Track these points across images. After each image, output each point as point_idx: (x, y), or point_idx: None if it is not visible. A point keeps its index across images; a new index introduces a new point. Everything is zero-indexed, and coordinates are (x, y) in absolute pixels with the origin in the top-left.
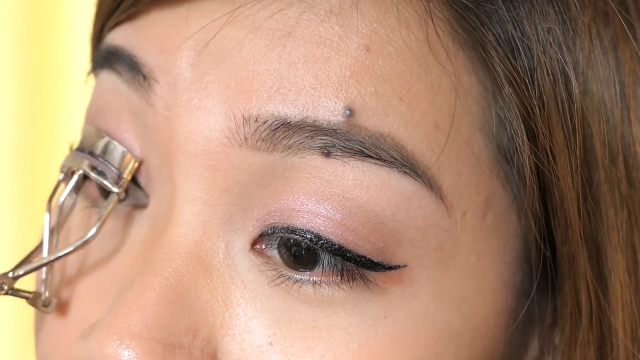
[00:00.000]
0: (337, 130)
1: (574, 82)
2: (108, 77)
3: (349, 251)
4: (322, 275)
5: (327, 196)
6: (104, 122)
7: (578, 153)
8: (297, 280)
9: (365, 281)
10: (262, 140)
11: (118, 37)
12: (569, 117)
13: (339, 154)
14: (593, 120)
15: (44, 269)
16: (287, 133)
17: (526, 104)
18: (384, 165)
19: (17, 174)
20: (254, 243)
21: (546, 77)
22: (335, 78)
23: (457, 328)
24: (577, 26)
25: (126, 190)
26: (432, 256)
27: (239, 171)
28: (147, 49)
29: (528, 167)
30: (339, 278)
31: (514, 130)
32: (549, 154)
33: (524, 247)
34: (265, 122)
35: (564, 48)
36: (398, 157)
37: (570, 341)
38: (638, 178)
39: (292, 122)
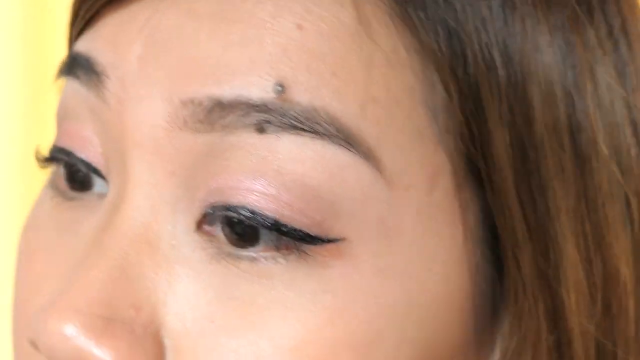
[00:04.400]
0: (270, 106)
1: (511, 61)
2: (70, 83)
3: (285, 225)
4: (261, 251)
5: (263, 172)
6: (67, 124)
7: (512, 134)
8: (237, 257)
9: (304, 255)
10: (200, 122)
11: (79, 44)
12: (504, 98)
13: (273, 129)
14: (534, 100)
15: None
16: (222, 113)
17: (461, 83)
18: (318, 138)
19: (18, 173)
20: (199, 223)
21: (480, 59)
22: (269, 57)
23: (402, 306)
24: (516, 7)
25: (91, 182)
26: (373, 230)
27: (182, 154)
28: (101, 48)
29: (463, 144)
30: (277, 253)
31: (452, 111)
32: (483, 132)
33: (479, 230)
34: (201, 104)
35: (502, 29)
36: (332, 130)
37: (515, 319)
38: (586, 156)
39: (225, 102)
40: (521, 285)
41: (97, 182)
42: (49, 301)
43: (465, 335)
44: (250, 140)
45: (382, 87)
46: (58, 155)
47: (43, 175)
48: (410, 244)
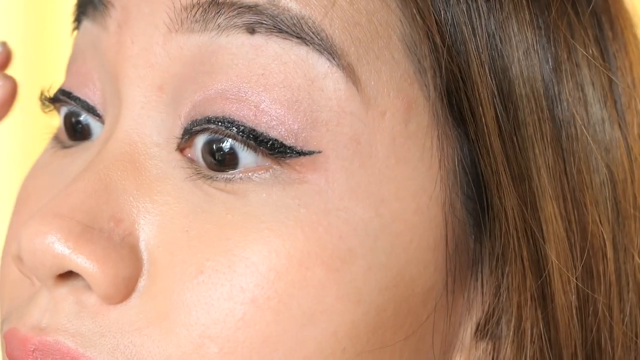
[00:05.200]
0: (262, 9)
1: (496, 18)
2: (82, 25)
3: (261, 134)
4: (238, 173)
5: (247, 77)
6: (72, 65)
7: (494, 83)
8: (214, 178)
9: (279, 171)
10: (196, 21)
11: None
12: (486, 47)
13: (263, 30)
14: (514, 59)
15: None
16: (217, 11)
17: (442, 26)
18: (303, 44)
19: (17, 172)
20: (182, 148)
21: (460, 13)
22: None
23: (374, 229)
24: None
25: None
26: (348, 146)
27: (173, 61)
28: None
29: (440, 88)
30: (253, 173)
31: (426, 52)
32: (465, 76)
33: (458, 172)
34: (199, 2)
35: None
36: (317, 39)
37: (498, 267)
38: (564, 123)
39: (221, 1)
40: (505, 232)
41: (96, 132)
42: (36, 211)
43: (440, 277)
44: (238, 41)
45: (365, 16)
46: (59, 97)
47: None
48: (383, 168)
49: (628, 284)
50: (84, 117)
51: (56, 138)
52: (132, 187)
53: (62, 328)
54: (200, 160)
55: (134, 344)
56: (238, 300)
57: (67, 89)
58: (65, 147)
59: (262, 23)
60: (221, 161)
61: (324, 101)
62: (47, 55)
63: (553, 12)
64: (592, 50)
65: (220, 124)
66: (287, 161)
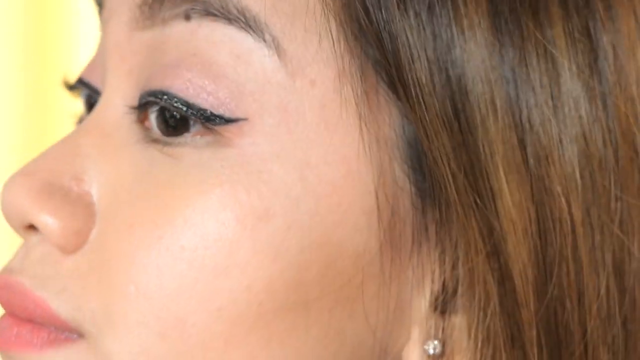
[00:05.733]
0: None
1: None
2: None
3: (192, 104)
4: (179, 137)
5: (183, 58)
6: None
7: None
8: (163, 143)
9: (211, 137)
10: (147, 19)
11: None
12: (424, 32)
13: (196, 16)
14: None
15: None
16: (159, 5)
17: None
18: (229, 24)
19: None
20: (142, 119)
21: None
22: None
23: (296, 190)
24: None
25: None
26: (274, 114)
27: (136, 53)
28: None
29: (372, 58)
30: (191, 138)
31: (360, 24)
32: (395, 46)
33: (397, 141)
34: (146, 2)
35: None
36: (242, 17)
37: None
38: (521, 90)
39: None
40: (449, 200)
41: None
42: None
43: (375, 243)
44: (179, 28)
45: None
46: (76, 84)
47: None
48: (311, 134)
49: (604, 266)
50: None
51: (80, 120)
52: (96, 152)
53: (26, 271)
54: (155, 128)
55: (77, 288)
56: (156, 250)
57: (82, 77)
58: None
59: (195, 9)
60: (174, 127)
61: (250, 74)
62: (47, 54)
63: None
64: (568, 26)
65: (158, 96)
66: (217, 128)
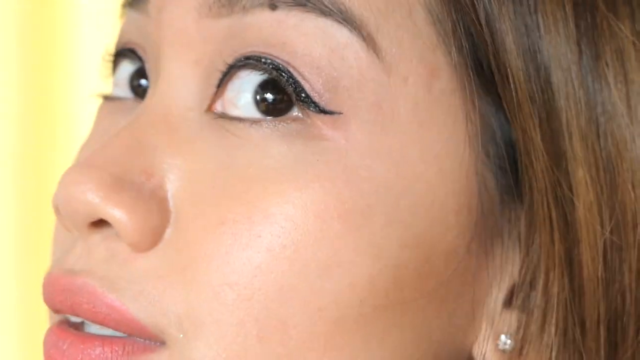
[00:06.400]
0: None
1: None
2: (127, 14)
3: (294, 77)
4: (267, 121)
5: (272, 44)
6: (120, 44)
7: (523, 48)
8: (239, 127)
9: (303, 124)
10: (222, 6)
11: None
12: (516, 21)
13: (284, 6)
14: (542, 29)
15: None
16: None
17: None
18: (322, 16)
19: (19, 173)
20: (210, 104)
21: None
22: None
23: (395, 187)
24: None
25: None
26: (369, 111)
27: (207, 41)
28: None
29: (466, 53)
30: (278, 120)
31: (454, 19)
32: (494, 41)
33: (484, 139)
34: None
35: None
36: (336, 10)
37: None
38: (597, 86)
39: None
40: (535, 197)
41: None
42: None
43: (464, 240)
44: (263, 17)
45: None
46: (126, 51)
47: (41, 175)
48: (406, 132)
49: None
50: (144, 81)
51: (106, 97)
52: (165, 145)
53: (92, 272)
54: (243, 105)
55: (157, 290)
56: (255, 249)
57: (130, 45)
58: (113, 99)
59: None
60: (271, 102)
61: (344, 69)
62: (46, 55)
63: None
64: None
65: (257, 59)
66: (311, 114)
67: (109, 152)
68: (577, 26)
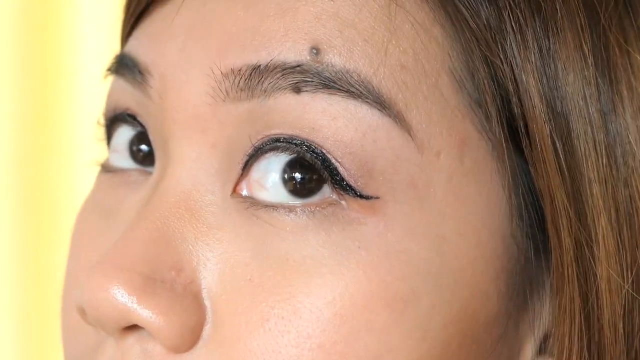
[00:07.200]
0: (305, 68)
1: (546, 36)
2: (117, 81)
3: (329, 161)
4: (302, 206)
5: (298, 130)
6: (117, 109)
7: (548, 105)
8: (271, 215)
9: (338, 210)
10: (241, 90)
11: (128, 45)
12: (536, 68)
13: (309, 89)
14: (564, 76)
15: None
16: (260, 77)
17: (488, 55)
18: (351, 98)
19: (18, 175)
20: (235, 187)
21: (514, 27)
22: (303, 24)
23: (436, 267)
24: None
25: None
26: (405, 192)
27: (225, 125)
28: (145, 47)
29: (495, 117)
30: (313, 205)
31: (480, 79)
32: (521, 102)
33: (515, 200)
34: (240, 70)
35: (533, 17)
36: (364, 91)
37: (557, 296)
38: (616, 133)
39: (262, 66)
40: (561, 251)
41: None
42: (94, 265)
43: (503, 305)
44: (286, 101)
45: (410, 56)
46: (125, 116)
47: (40, 175)
48: (442, 208)
49: None
50: (145, 147)
51: (105, 167)
52: (191, 235)
53: None
54: (273, 187)
55: None
56: (305, 347)
57: (129, 112)
58: (116, 172)
59: (307, 81)
60: (302, 183)
61: (378, 152)
62: (46, 55)
63: (604, 18)
64: None
65: (288, 141)
66: (347, 197)
67: (133, 248)
68: (595, 65)
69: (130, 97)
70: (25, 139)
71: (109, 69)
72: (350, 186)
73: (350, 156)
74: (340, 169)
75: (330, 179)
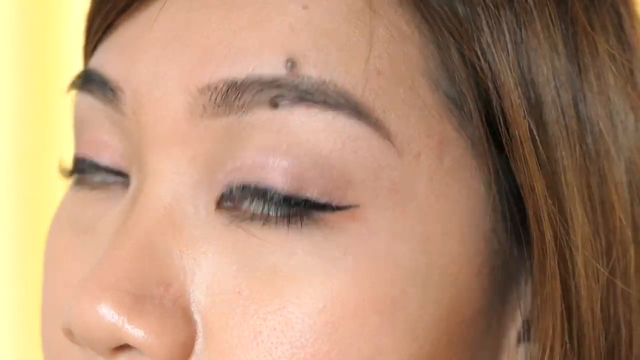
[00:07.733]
0: (282, 81)
1: (520, 34)
2: (84, 97)
3: (294, 196)
4: (281, 217)
5: (277, 146)
6: (86, 134)
7: (524, 98)
8: (258, 227)
9: (320, 217)
10: (218, 106)
11: (93, 60)
12: (512, 66)
13: (286, 103)
14: (539, 74)
15: None
16: (237, 93)
17: (465, 52)
18: (328, 109)
19: (18, 175)
20: (219, 202)
21: (489, 24)
22: (278, 36)
23: (423, 267)
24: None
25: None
26: (387, 197)
27: (203, 140)
28: (114, 62)
29: (476, 114)
30: (296, 216)
31: (457, 78)
32: (498, 105)
33: (495, 196)
34: (216, 87)
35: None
36: (342, 101)
37: (538, 288)
38: (588, 115)
39: (239, 82)
40: (541, 242)
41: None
42: (79, 285)
43: (486, 298)
44: (264, 116)
45: (386, 60)
46: (79, 166)
47: (40, 175)
48: (425, 208)
49: None
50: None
51: (76, 181)
52: (176, 249)
53: None
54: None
55: None
56: (300, 357)
57: (88, 157)
58: (92, 187)
59: (284, 95)
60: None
61: (358, 161)
62: (46, 55)
63: (571, 7)
64: (611, 41)
65: (254, 191)
66: (321, 216)
67: (118, 265)
68: (565, 54)
69: (100, 113)
70: (25, 139)
71: (72, 85)
72: (324, 205)
73: (329, 169)
74: (309, 195)
75: (303, 208)
